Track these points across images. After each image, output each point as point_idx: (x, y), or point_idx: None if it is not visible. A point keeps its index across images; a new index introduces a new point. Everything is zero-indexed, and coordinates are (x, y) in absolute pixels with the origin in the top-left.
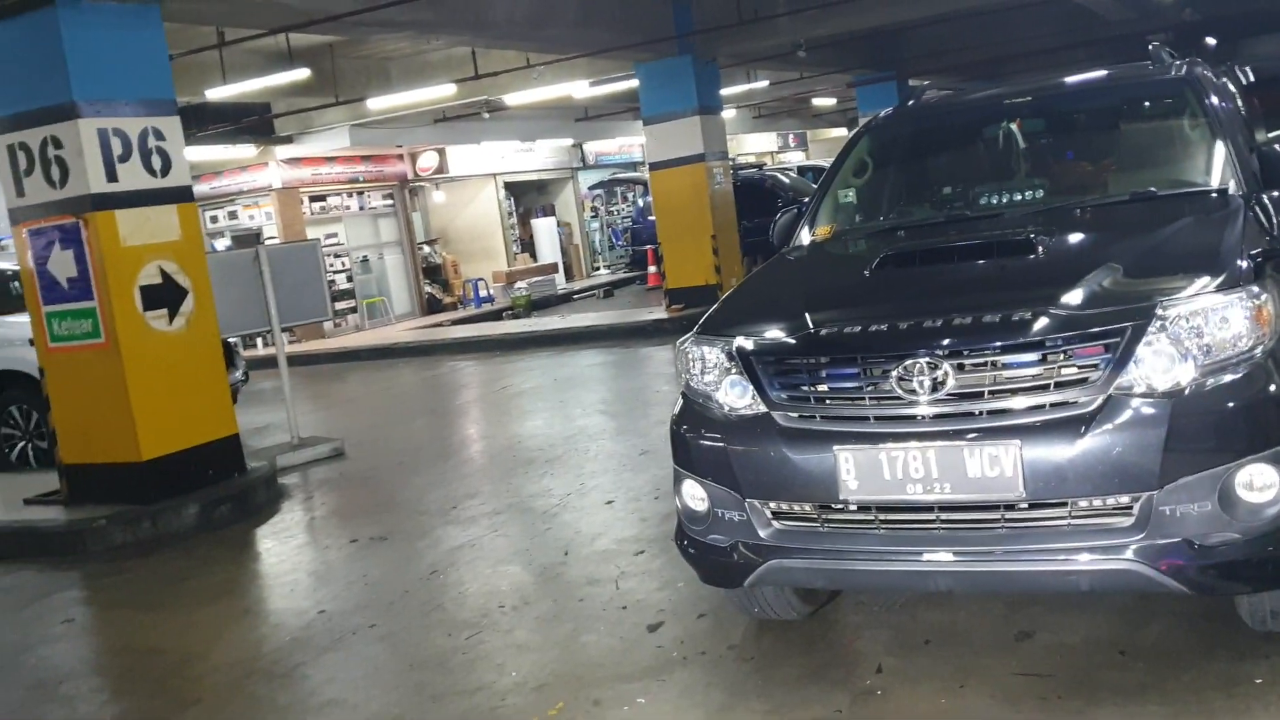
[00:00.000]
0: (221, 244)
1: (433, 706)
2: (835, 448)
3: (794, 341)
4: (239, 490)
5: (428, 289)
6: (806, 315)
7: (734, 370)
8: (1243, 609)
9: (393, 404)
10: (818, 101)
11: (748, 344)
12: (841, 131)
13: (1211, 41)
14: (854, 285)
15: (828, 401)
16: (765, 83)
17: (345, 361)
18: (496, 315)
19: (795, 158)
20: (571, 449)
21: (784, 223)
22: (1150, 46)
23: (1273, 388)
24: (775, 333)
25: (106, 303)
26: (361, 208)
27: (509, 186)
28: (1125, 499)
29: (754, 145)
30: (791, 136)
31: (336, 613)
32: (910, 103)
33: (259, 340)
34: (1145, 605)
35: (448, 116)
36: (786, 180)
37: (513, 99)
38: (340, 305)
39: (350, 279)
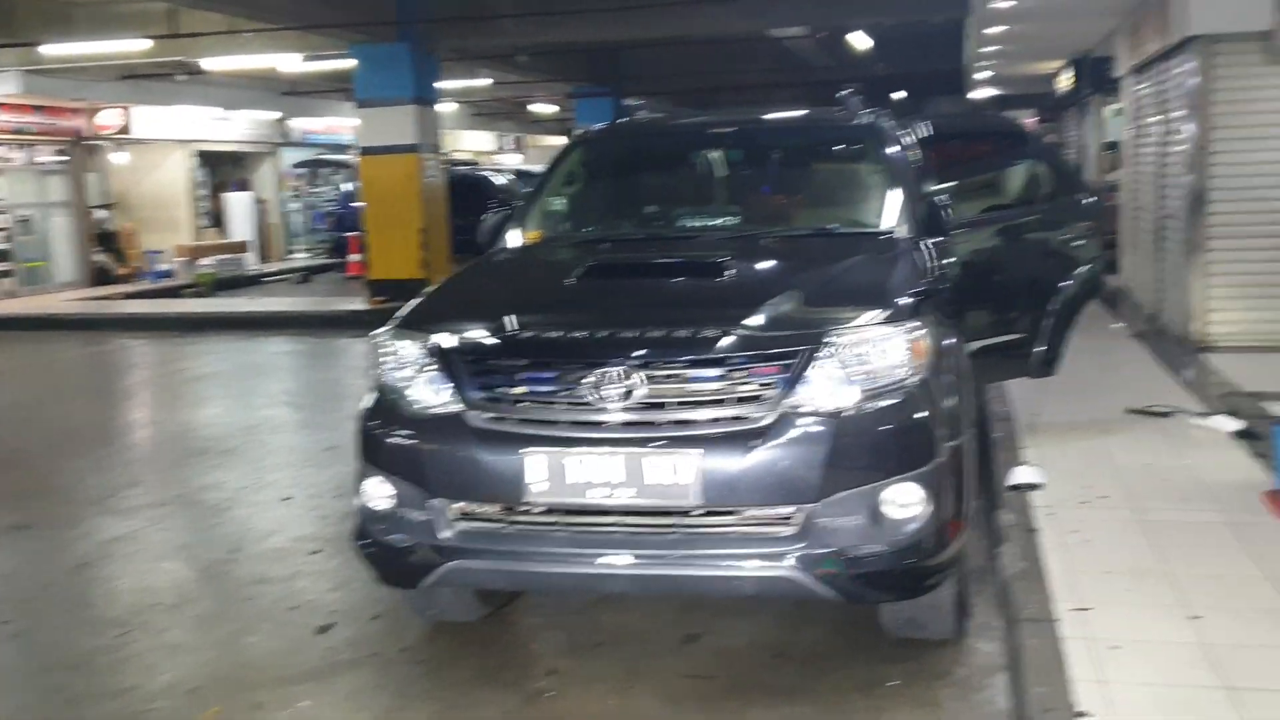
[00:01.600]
0: None
1: (69, 711)
2: (525, 450)
3: (493, 343)
4: None
5: (98, 257)
6: (507, 318)
7: (431, 367)
8: (884, 616)
9: (50, 380)
10: (537, 107)
11: (447, 341)
12: (560, 139)
13: (902, 95)
14: (556, 292)
15: (522, 404)
16: (488, 81)
17: None
18: (175, 292)
19: (512, 160)
20: (250, 441)
21: (492, 224)
22: (841, 94)
23: (921, 414)
24: (476, 332)
25: None
26: (29, 161)
27: (202, 155)
28: (788, 510)
29: (471, 143)
30: (510, 139)
31: None
32: (623, 120)
33: None
34: (803, 611)
35: (137, 74)
36: (501, 181)
37: (212, 64)
38: None
39: (8, 239)
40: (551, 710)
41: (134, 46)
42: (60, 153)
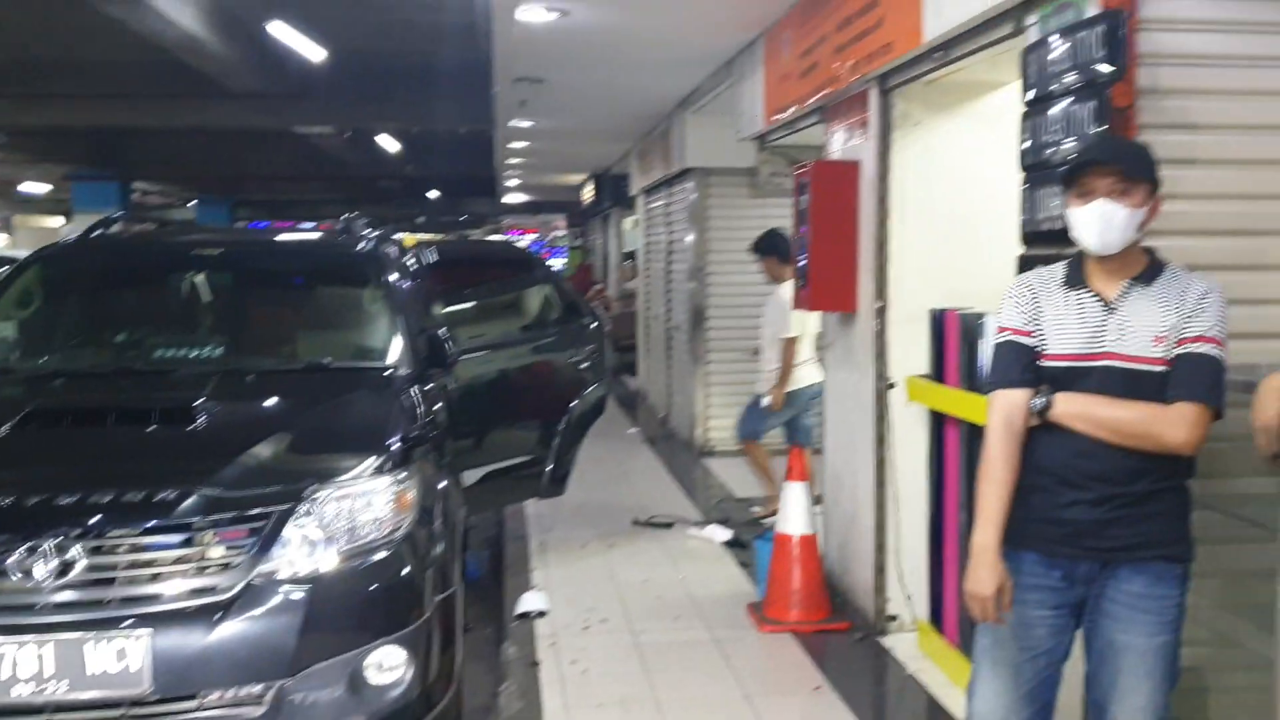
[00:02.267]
0: None
1: None
2: None
3: None
4: None
5: None
6: None
7: None
8: None
9: None
10: (28, 187)
11: None
12: (59, 220)
13: (435, 194)
14: None
15: None
16: None
17: None
18: None
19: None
20: None
21: None
22: (344, 217)
23: (406, 571)
24: None
25: None
26: None
27: None
28: (258, 688)
29: None
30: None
31: None
32: (96, 233)
33: None
34: None
35: None
36: None
37: None
38: None
39: None
40: None
41: None
42: None
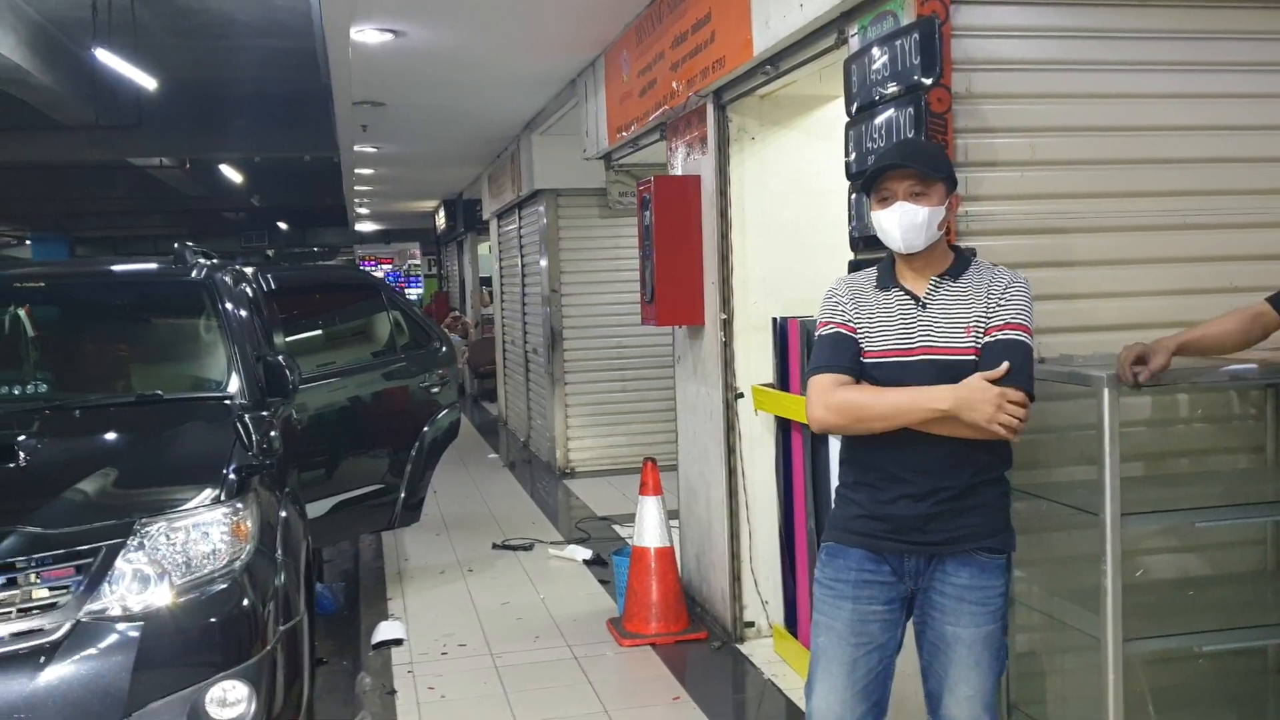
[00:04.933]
0: None
1: None
2: None
3: None
4: None
5: None
6: None
7: None
8: None
9: None
10: None
11: None
12: None
13: (284, 225)
14: None
15: None
16: None
17: None
18: None
19: None
20: None
21: None
22: (175, 246)
23: (245, 602)
24: None
25: None
26: None
27: None
28: None
29: None
30: None
31: None
32: None
33: None
34: None
35: None
36: None
37: None
38: None
39: None
40: None
41: None
42: None
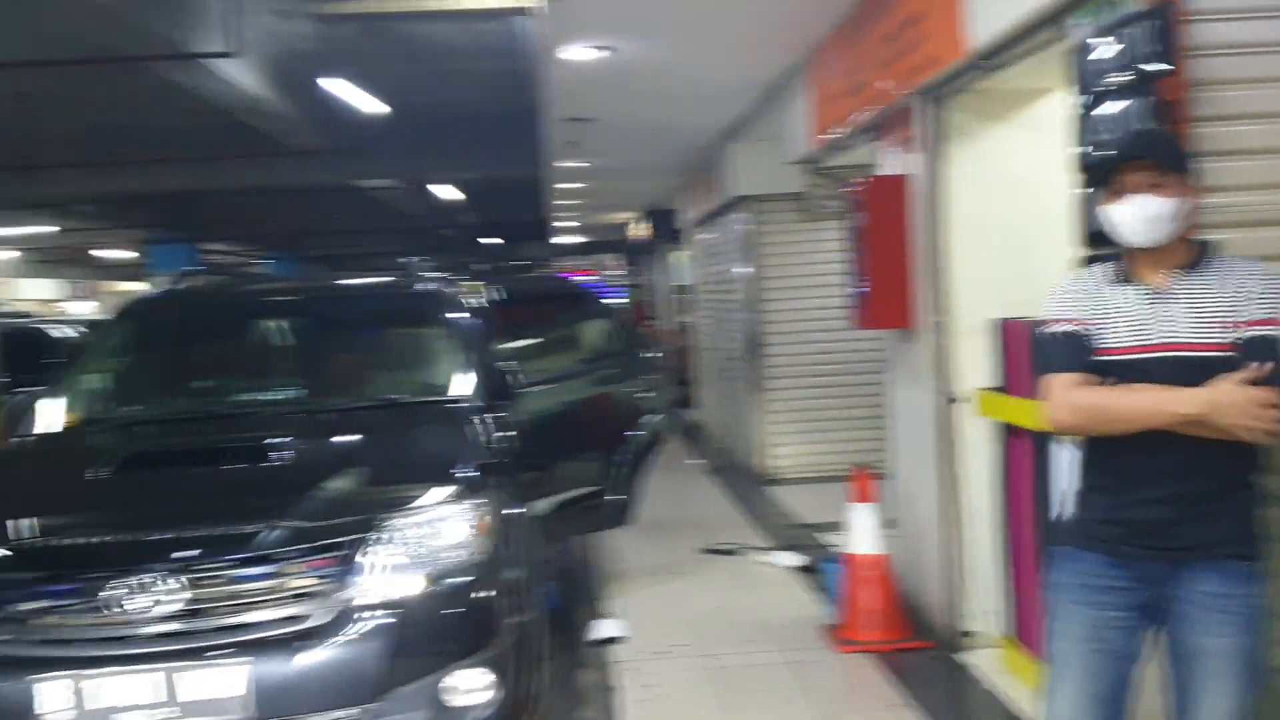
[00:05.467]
0: None
1: None
2: (36, 676)
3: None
4: None
5: None
6: (20, 522)
7: None
8: None
9: None
10: (108, 254)
11: None
12: (138, 285)
13: (490, 240)
14: (80, 488)
15: (31, 622)
16: (53, 228)
17: None
18: None
19: (85, 308)
20: None
21: (16, 405)
22: (403, 260)
23: (484, 594)
24: None
25: None
26: None
27: None
28: (356, 711)
29: (31, 291)
30: (81, 286)
31: None
32: (176, 286)
33: None
34: None
35: None
36: (61, 334)
37: None
38: None
39: None
40: None
41: None
42: None
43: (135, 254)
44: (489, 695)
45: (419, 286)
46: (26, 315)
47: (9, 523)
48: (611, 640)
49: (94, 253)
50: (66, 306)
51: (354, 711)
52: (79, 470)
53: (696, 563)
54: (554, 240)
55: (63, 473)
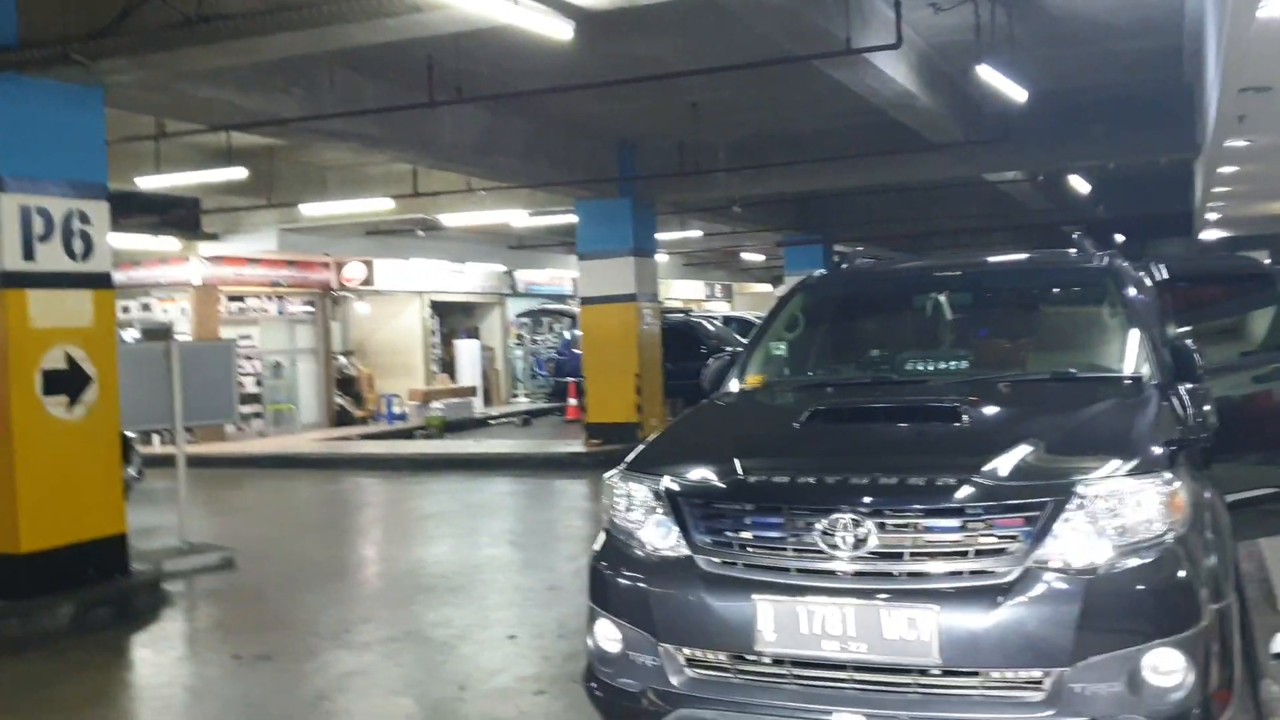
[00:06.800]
0: (130, 335)
1: None
2: (755, 597)
3: (722, 486)
4: (120, 593)
5: (339, 400)
6: (735, 461)
7: (660, 510)
8: None
9: (290, 516)
10: (747, 256)
11: (675, 484)
12: (766, 287)
13: (1120, 238)
14: (783, 436)
15: (750, 549)
16: (700, 233)
17: (244, 467)
18: (408, 434)
19: (720, 307)
20: (476, 579)
21: (716, 369)
22: (1074, 236)
23: (1182, 573)
24: (704, 476)
25: (4, 382)
26: (280, 312)
27: (435, 305)
28: (1038, 673)
29: (681, 291)
30: (718, 287)
31: None
32: (844, 266)
33: (155, 437)
34: None
35: (380, 230)
36: (711, 328)
37: (449, 219)
38: (245, 409)
39: (259, 383)
40: None
41: (380, 205)
42: (308, 303)
43: (764, 256)
44: (1186, 679)
45: (1089, 262)
46: (684, 311)
47: (727, 462)
48: None
49: (740, 255)
50: (708, 305)
51: (1038, 673)
52: (775, 421)
53: None
54: (1199, 236)
55: (762, 423)
